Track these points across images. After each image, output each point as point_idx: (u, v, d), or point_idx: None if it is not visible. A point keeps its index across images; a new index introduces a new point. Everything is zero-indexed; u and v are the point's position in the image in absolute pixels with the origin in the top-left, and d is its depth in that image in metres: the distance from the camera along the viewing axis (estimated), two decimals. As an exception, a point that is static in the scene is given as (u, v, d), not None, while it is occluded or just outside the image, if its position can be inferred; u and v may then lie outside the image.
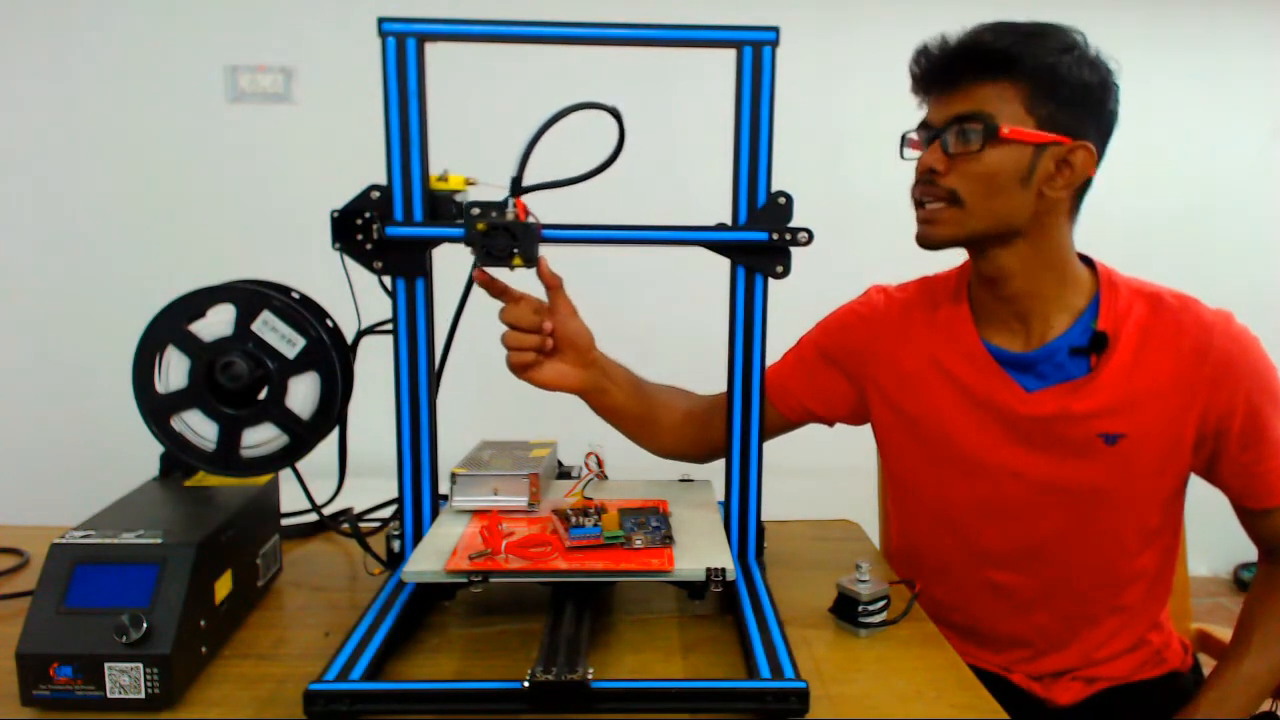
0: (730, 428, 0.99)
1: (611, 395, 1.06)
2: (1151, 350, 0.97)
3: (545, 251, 0.93)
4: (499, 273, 0.94)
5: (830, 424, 1.19)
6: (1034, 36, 0.93)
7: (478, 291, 1.03)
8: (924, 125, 1.00)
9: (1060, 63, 0.92)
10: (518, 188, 0.93)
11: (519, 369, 0.98)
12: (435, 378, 0.97)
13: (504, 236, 0.90)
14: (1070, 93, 0.93)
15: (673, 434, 1.14)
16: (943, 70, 0.96)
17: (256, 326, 0.91)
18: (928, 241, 1.00)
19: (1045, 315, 1.00)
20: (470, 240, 0.90)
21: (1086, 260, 1.03)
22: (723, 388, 1.02)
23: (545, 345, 0.97)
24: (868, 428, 1.18)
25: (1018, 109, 0.93)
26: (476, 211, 0.90)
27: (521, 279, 0.93)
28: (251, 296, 0.91)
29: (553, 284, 0.99)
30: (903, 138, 1.02)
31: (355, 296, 0.99)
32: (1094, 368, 0.98)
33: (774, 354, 1.07)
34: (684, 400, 1.16)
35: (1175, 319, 0.98)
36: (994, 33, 0.94)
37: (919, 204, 1.00)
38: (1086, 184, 0.98)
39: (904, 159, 1.03)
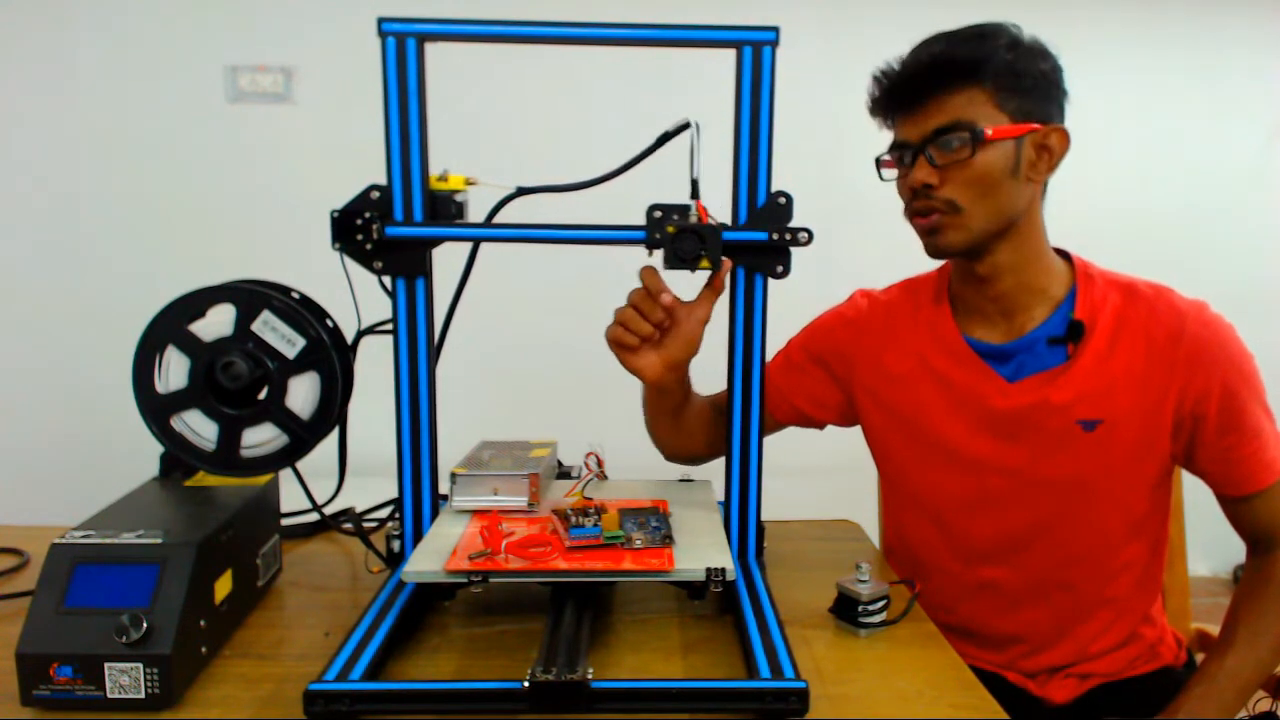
0: (730, 427, 0.99)
1: (672, 398, 1.09)
2: (1126, 337, 1.00)
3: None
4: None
5: (820, 426, 1.21)
6: (983, 38, 0.96)
7: (476, 289, 1.03)
8: (899, 145, 1.01)
9: (1016, 58, 0.96)
10: (696, 190, 0.93)
11: (617, 344, 0.99)
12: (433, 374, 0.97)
13: (692, 239, 0.90)
14: (1032, 82, 0.96)
15: (695, 437, 1.16)
16: (908, 89, 0.98)
17: (256, 326, 0.91)
18: (938, 252, 1.02)
19: (1028, 307, 1.03)
20: (657, 243, 0.91)
21: (1063, 254, 1.06)
22: (720, 386, 1.02)
23: (653, 337, 0.98)
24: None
25: (990, 109, 0.95)
26: (659, 215, 0.91)
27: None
28: (251, 296, 0.91)
29: (718, 290, 0.98)
30: (877, 160, 1.05)
31: (355, 296, 0.99)
32: (1071, 356, 1.00)
33: (772, 354, 1.07)
34: (701, 402, 1.18)
35: (1150, 306, 1.00)
36: (947, 43, 0.97)
37: (917, 218, 1.01)
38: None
39: (883, 180, 1.05)
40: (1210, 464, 1.01)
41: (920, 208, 1.00)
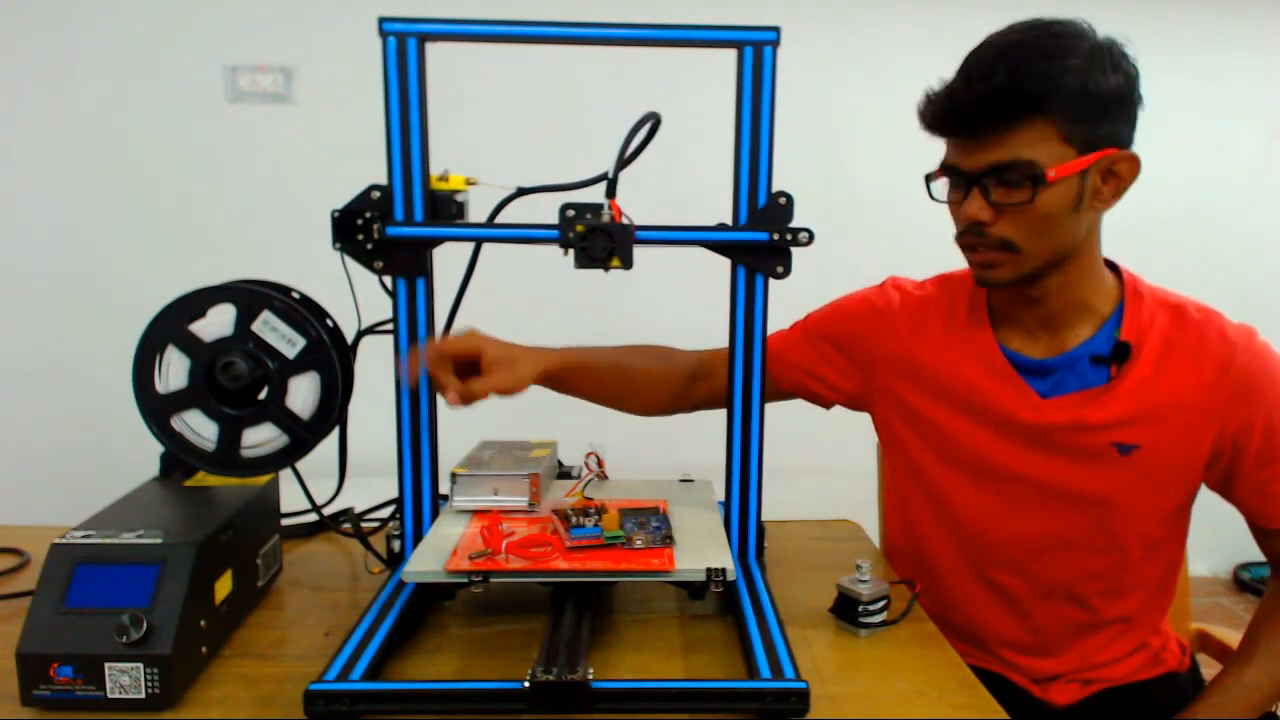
0: (730, 426, 0.99)
1: (567, 386, 1.04)
2: (1173, 363, 0.96)
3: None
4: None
5: (826, 406, 1.17)
6: (1053, 57, 0.86)
7: (478, 287, 1.03)
8: (951, 169, 0.94)
9: (1089, 79, 0.86)
10: (613, 189, 0.91)
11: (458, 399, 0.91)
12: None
13: (603, 238, 0.89)
14: (1103, 105, 0.88)
15: (647, 402, 1.12)
16: (964, 118, 0.89)
17: (257, 326, 0.91)
18: (988, 285, 0.98)
19: (1073, 324, 0.99)
20: (567, 243, 0.90)
21: (1111, 266, 1.02)
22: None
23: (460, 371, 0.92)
24: (869, 425, 1.18)
25: (1055, 144, 0.87)
26: (572, 214, 0.89)
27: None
28: (251, 296, 0.92)
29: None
30: (926, 179, 0.97)
31: (355, 296, 0.99)
32: (1114, 378, 0.97)
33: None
34: (657, 363, 1.13)
35: (1199, 333, 0.96)
36: (1010, 71, 0.86)
37: (969, 249, 0.96)
38: None
39: (934, 199, 0.97)
40: (1247, 495, 0.99)
41: (972, 243, 0.94)
